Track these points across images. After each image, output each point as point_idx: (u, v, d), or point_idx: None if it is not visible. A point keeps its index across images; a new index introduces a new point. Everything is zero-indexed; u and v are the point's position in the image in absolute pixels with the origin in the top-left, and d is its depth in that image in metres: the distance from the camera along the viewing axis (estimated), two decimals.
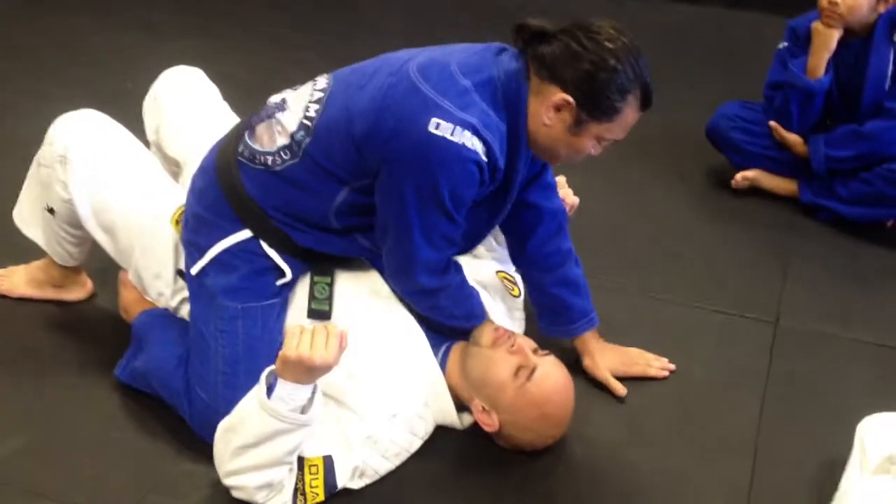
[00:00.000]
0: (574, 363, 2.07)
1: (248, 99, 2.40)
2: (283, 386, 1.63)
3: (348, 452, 1.76)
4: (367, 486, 1.80)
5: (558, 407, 1.85)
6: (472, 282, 2.03)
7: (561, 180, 2.21)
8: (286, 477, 1.71)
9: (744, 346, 2.26)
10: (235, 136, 1.89)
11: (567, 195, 2.20)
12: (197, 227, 1.88)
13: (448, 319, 1.93)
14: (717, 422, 2.03)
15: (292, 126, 1.80)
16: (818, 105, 2.74)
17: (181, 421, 1.89)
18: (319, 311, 1.89)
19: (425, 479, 1.85)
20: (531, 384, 1.81)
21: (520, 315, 2.17)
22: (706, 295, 2.44)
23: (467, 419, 1.92)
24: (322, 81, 1.85)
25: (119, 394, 1.99)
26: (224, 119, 2.22)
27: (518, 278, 2.19)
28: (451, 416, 1.90)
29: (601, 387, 2.08)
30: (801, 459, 1.93)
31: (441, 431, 1.92)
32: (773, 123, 2.83)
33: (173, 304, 1.99)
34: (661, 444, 1.97)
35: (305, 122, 1.79)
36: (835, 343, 2.29)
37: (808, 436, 2.00)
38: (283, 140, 1.81)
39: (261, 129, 1.85)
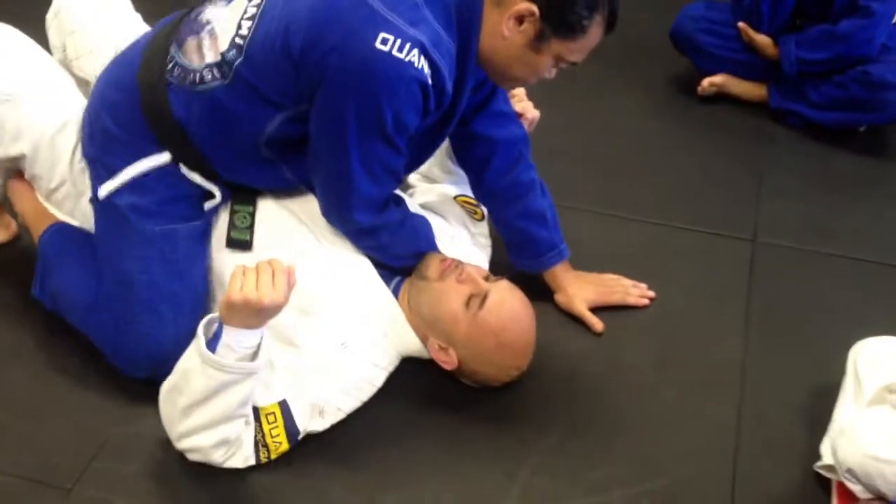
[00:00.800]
0: (548, 297, 1.97)
1: (164, 8, 2.17)
2: (229, 333, 1.50)
3: (301, 390, 1.65)
4: (336, 432, 1.68)
5: (516, 334, 1.73)
6: (429, 214, 1.90)
7: (519, 92, 2.05)
8: (243, 431, 1.59)
9: (723, 267, 2.16)
10: (162, 49, 1.70)
11: (526, 108, 2.04)
12: (106, 143, 1.72)
13: (393, 260, 1.80)
14: (700, 352, 1.93)
15: (223, 44, 1.64)
16: (789, 4, 2.59)
17: (120, 377, 1.75)
18: (239, 241, 1.76)
19: (395, 420, 1.75)
20: (484, 312, 1.69)
21: (485, 241, 2.03)
22: (678, 212, 2.31)
23: None
24: None
25: (55, 349, 1.84)
26: (138, 33, 1.98)
27: None
28: (413, 345, 1.77)
29: (577, 320, 1.96)
30: (791, 388, 1.85)
31: (408, 368, 1.80)
32: (741, 24, 2.67)
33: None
34: (643, 378, 1.87)
35: (237, 40, 1.63)
36: (816, 260, 2.20)
37: (796, 362, 1.91)
38: (211, 57, 1.64)
39: (190, 44, 1.67)
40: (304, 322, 1.69)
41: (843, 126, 2.64)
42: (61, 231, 1.85)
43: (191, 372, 1.52)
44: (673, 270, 2.12)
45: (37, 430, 1.70)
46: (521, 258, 1.97)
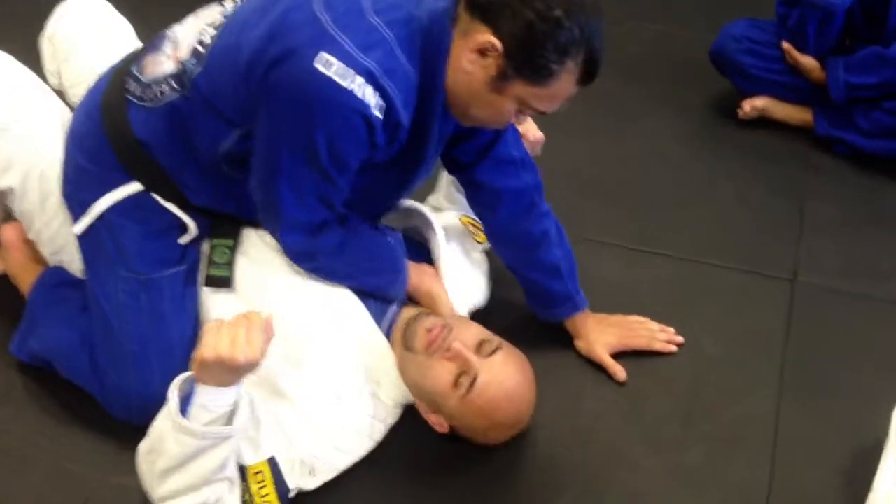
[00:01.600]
0: (567, 341, 1.85)
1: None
2: (203, 392, 1.42)
3: (289, 447, 1.55)
4: (332, 491, 1.58)
5: (510, 413, 1.61)
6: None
7: None
8: (225, 493, 1.49)
9: (758, 310, 2.01)
10: (124, 70, 1.64)
11: (528, 129, 1.91)
12: (78, 179, 1.65)
13: (345, 280, 1.68)
14: (730, 405, 1.79)
15: (183, 53, 1.56)
16: (838, 24, 2.43)
17: (109, 423, 1.67)
18: (218, 278, 1.68)
19: (394, 480, 1.64)
20: (474, 395, 1.55)
21: (479, 257, 1.92)
22: (712, 247, 2.17)
23: None
24: (229, 6, 1.59)
25: (43, 391, 1.76)
26: None
27: None
28: (409, 395, 1.66)
29: (596, 367, 1.83)
30: (828, 448, 1.71)
31: (409, 421, 1.68)
32: (786, 45, 2.51)
33: (80, 274, 1.76)
34: (667, 434, 1.74)
35: (199, 47, 1.55)
36: (860, 304, 2.03)
37: (835, 418, 1.76)
38: (170, 66, 1.57)
39: (149, 59, 1.61)
40: (293, 372, 1.59)
41: (894, 156, 2.46)
42: (50, 281, 1.78)
43: (165, 436, 1.44)
44: (704, 313, 1.98)
45: (20, 480, 1.63)
46: (535, 305, 1.87)
